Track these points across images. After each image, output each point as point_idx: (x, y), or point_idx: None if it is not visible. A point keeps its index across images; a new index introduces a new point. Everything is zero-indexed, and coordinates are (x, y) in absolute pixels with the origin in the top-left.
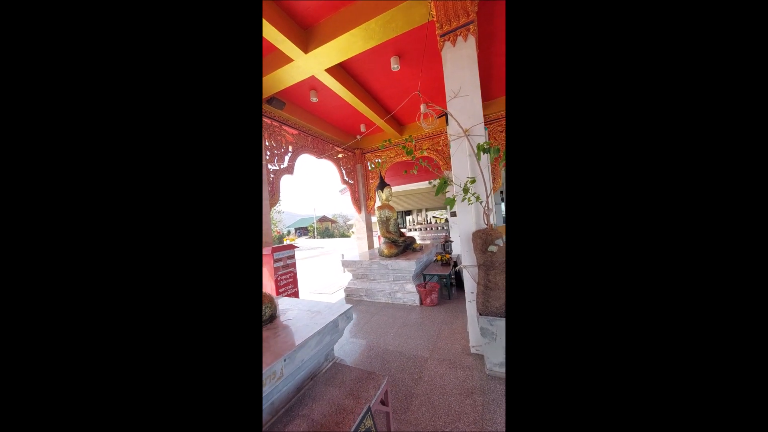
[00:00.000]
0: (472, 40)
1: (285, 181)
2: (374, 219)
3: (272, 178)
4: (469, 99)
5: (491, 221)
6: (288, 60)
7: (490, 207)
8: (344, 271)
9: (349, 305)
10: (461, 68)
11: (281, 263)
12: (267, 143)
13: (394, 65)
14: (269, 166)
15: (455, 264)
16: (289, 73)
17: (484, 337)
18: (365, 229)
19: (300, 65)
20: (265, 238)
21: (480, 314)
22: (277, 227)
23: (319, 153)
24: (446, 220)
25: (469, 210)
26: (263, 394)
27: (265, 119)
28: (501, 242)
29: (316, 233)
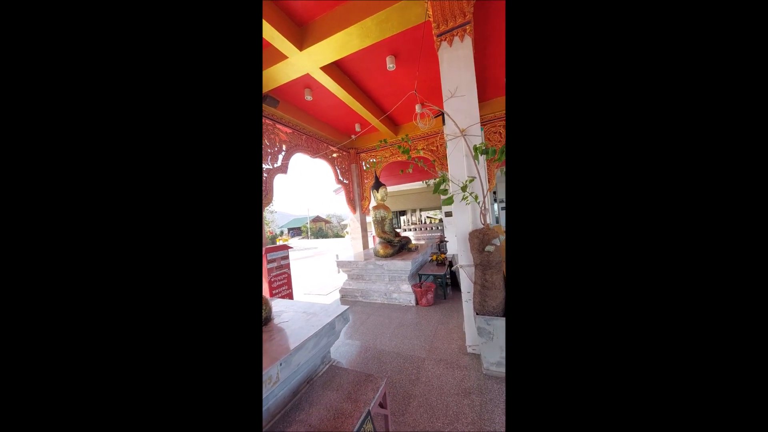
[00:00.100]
0: (468, 41)
1: (278, 180)
2: (369, 219)
3: (265, 177)
4: (465, 99)
5: (488, 221)
6: (282, 57)
7: (487, 207)
8: (339, 272)
9: (346, 306)
10: (458, 68)
11: (275, 264)
12: None
13: (390, 65)
14: (262, 165)
15: (450, 264)
16: (284, 71)
17: (481, 337)
18: (360, 229)
19: (295, 63)
20: None
21: (477, 314)
22: (269, 227)
23: (314, 152)
24: (440, 221)
25: (466, 210)
26: None
27: None
28: (498, 242)
29: (309, 233)
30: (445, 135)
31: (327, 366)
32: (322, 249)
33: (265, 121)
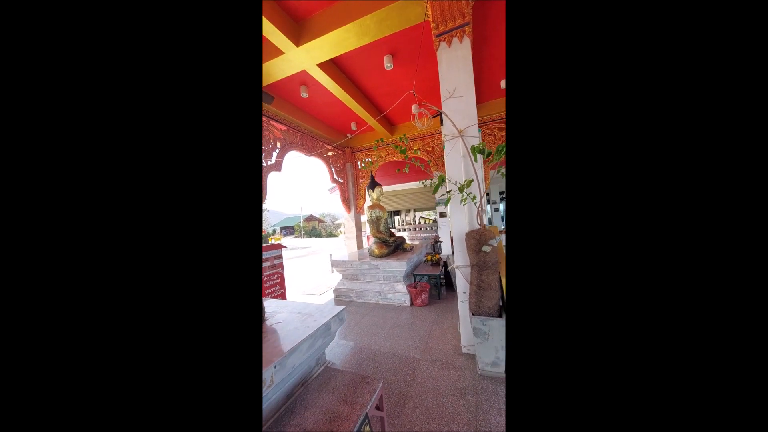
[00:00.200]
0: (467, 42)
1: (271, 178)
2: (363, 218)
3: None
4: (463, 100)
5: (484, 221)
6: (278, 52)
7: (483, 207)
8: (333, 272)
9: (342, 307)
10: (456, 69)
11: (268, 263)
12: None
13: (388, 64)
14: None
15: (445, 264)
16: (279, 67)
17: (477, 337)
18: (354, 228)
19: (291, 59)
20: None
21: (473, 314)
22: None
23: (309, 150)
24: (434, 221)
25: (463, 210)
26: None
27: None
28: (495, 242)
29: (302, 233)
30: (443, 135)
31: (322, 368)
32: (315, 248)
33: None
